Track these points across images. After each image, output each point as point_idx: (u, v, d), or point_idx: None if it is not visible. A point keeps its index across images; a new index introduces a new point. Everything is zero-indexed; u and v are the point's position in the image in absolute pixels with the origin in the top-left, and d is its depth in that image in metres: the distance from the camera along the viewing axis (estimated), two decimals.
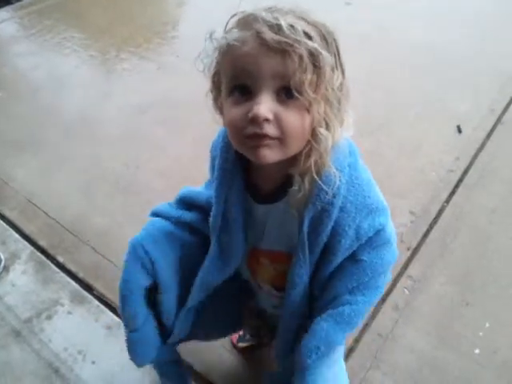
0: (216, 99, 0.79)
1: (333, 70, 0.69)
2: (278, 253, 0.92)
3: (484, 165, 2.04)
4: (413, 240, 1.73)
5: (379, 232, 0.85)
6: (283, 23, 0.65)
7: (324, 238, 0.81)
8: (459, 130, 2.24)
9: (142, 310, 0.99)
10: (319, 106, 0.69)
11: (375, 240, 0.85)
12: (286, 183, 0.79)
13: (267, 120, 0.67)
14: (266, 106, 0.67)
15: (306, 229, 0.80)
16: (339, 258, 0.84)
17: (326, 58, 0.67)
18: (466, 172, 2.02)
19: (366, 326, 1.47)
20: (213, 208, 0.90)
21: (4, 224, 1.91)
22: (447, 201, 1.89)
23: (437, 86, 2.55)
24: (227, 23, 0.73)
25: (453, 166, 2.05)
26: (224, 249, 0.93)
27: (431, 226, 1.79)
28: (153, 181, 2.06)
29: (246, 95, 0.69)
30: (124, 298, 0.97)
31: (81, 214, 1.94)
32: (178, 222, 1.01)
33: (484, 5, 3.31)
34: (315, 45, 0.66)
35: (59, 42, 3.12)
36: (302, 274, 0.86)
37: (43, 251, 1.80)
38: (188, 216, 1.02)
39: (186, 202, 1.04)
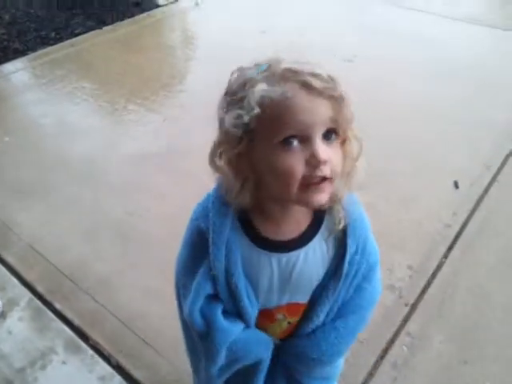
0: (240, 157, 0.77)
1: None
2: (297, 305, 0.93)
3: (481, 221, 2.07)
4: (411, 296, 1.73)
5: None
6: (322, 72, 0.71)
7: (358, 265, 0.89)
8: (456, 186, 2.28)
9: None
10: (356, 141, 0.79)
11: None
12: (311, 224, 0.86)
13: (326, 162, 0.72)
14: (324, 150, 0.72)
15: (347, 260, 0.87)
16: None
17: (350, 100, 0.74)
18: (463, 227, 2.04)
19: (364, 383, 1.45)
20: (218, 286, 0.88)
21: (5, 270, 1.91)
22: (445, 256, 1.91)
23: (434, 140, 2.62)
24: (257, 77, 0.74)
25: (450, 220, 2.08)
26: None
27: (429, 282, 1.79)
28: (155, 229, 2.08)
29: (294, 143, 0.72)
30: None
31: (81, 260, 1.95)
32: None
33: (484, 57, 3.47)
34: (343, 89, 0.73)
35: (70, 92, 3.23)
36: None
37: (41, 297, 1.80)
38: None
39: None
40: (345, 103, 0.73)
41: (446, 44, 3.75)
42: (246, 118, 0.72)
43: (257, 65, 0.76)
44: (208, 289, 0.89)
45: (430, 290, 1.76)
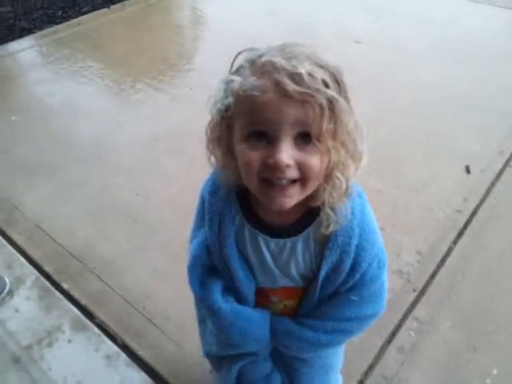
0: (219, 139, 0.78)
1: (348, 114, 0.70)
2: (291, 289, 0.92)
3: (492, 207, 2.04)
4: (419, 281, 1.71)
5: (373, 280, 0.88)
6: (303, 72, 0.65)
7: (343, 275, 0.84)
8: (468, 171, 2.24)
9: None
10: (337, 152, 0.71)
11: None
12: (304, 216, 0.82)
13: (288, 166, 0.68)
14: (286, 153, 0.68)
15: (325, 269, 0.83)
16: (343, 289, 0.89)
17: (343, 104, 0.68)
18: (474, 213, 2.01)
19: (371, 367, 1.45)
20: (214, 257, 0.90)
21: (11, 248, 1.91)
22: (455, 241, 1.88)
23: (446, 125, 2.57)
24: (238, 64, 0.75)
25: (461, 206, 2.04)
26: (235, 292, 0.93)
27: (438, 267, 1.77)
28: (162, 211, 2.06)
29: (264, 140, 0.70)
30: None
31: (88, 241, 1.95)
32: None
33: (500, 40, 3.39)
34: (333, 93, 0.67)
35: (77, 71, 3.20)
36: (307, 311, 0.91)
37: (48, 277, 1.80)
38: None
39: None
40: (324, 111, 0.66)
41: (460, 26, 3.65)
42: (220, 105, 0.74)
43: (254, 49, 0.73)
44: (204, 258, 0.91)
45: (439, 276, 1.74)
